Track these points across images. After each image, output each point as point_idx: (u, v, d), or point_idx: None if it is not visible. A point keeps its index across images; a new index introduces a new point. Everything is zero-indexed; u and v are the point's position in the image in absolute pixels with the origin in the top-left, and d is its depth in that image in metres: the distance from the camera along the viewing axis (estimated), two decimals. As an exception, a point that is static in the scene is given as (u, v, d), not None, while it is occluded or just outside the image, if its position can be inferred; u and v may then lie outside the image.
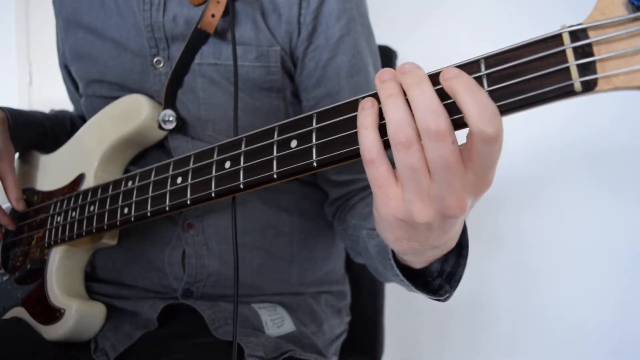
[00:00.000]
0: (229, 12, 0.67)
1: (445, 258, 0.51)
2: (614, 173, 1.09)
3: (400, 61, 1.05)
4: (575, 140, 1.12)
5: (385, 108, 0.39)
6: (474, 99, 0.35)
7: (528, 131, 1.13)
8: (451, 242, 0.46)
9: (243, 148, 0.52)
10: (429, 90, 0.37)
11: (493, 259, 1.24)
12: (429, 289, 0.52)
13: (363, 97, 0.43)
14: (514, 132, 1.11)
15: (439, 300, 0.52)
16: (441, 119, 0.36)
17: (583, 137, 1.11)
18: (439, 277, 0.52)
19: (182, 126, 0.72)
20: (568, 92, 0.35)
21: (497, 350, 1.26)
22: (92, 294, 0.75)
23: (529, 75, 0.36)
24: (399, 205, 0.40)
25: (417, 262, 0.49)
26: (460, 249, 0.51)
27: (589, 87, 0.34)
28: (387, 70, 0.40)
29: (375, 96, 0.42)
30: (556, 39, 0.35)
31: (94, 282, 0.77)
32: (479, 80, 0.38)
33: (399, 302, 1.18)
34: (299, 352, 0.66)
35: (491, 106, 0.35)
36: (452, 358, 1.33)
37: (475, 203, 0.40)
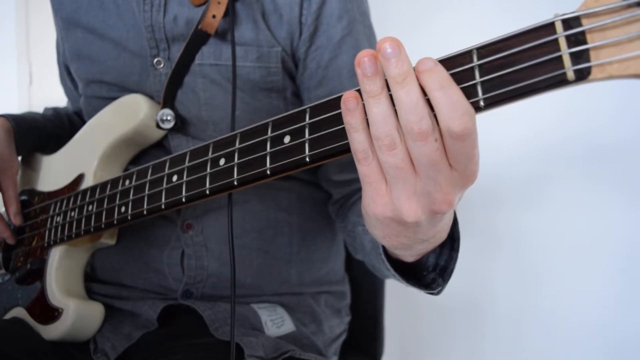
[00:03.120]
0: (229, 12, 0.67)
1: (439, 252, 0.51)
2: (612, 170, 1.08)
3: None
4: (572, 138, 1.11)
5: (368, 108, 0.38)
6: (445, 96, 0.35)
7: (526, 130, 1.12)
8: (440, 234, 0.45)
9: (237, 145, 0.52)
10: (414, 90, 0.36)
11: (492, 259, 1.23)
12: (423, 282, 0.52)
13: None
14: (512, 131, 1.12)
15: (431, 293, 0.52)
16: (423, 122, 0.35)
17: (580, 134, 1.11)
18: (433, 271, 0.52)
19: (182, 126, 0.72)
20: (561, 82, 0.34)
21: (497, 349, 1.26)
22: (91, 295, 0.75)
23: (522, 65, 0.35)
24: (386, 203, 0.39)
25: (408, 255, 0.48)
26: (453, 242, 0.50)
27: (582, 75, 0.33)
28: (371, 63, 0.37)
29: (360, 91, 0.39)
30: (548, 27, 0.35)
31: (93, 283, 0.77)
32: (470, 71, 0.37)
33: (399, 302, 1.17)
34: (298, 352, 0.66)
35: (462, 104, 0.35)
36: (452, 357, 1.32)
37: (461, 196, 0.40)
